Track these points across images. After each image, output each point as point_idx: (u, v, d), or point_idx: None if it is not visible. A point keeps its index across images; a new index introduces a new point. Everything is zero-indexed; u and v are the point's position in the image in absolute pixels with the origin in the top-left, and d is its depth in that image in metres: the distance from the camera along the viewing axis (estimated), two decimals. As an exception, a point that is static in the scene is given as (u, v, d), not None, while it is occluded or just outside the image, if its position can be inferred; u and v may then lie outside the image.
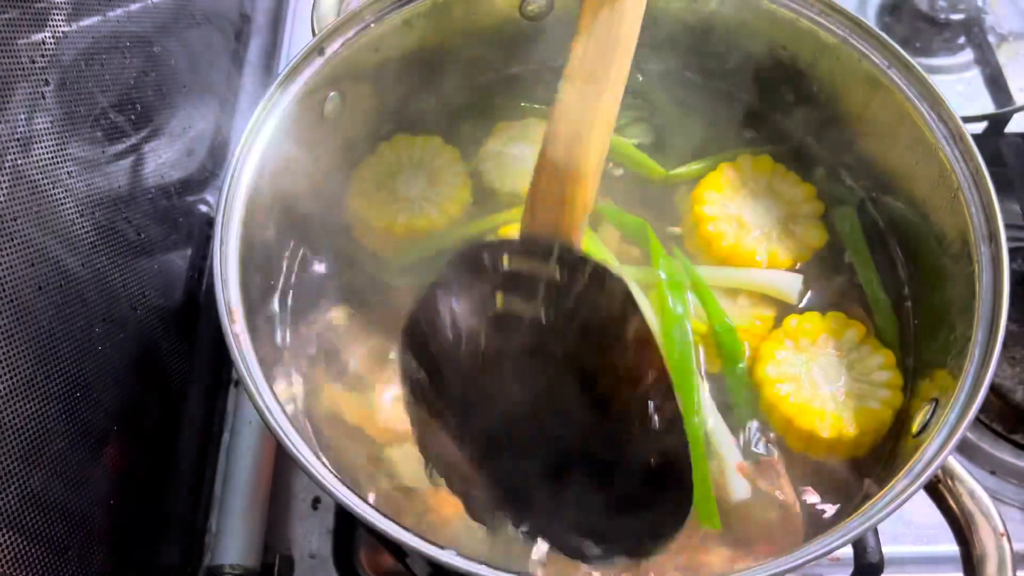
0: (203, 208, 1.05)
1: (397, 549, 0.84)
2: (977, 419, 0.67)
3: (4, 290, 0.68)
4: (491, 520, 0.71)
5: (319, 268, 0.90)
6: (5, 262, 0.68)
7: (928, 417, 0.71)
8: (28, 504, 0.68)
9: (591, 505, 0.68)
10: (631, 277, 0.84)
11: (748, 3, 0.87)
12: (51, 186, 0.76)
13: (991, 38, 1.27)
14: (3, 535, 0.65)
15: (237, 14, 1.22)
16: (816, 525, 0.77)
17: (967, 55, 1.28)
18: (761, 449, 0.80)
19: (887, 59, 0.81)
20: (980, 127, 1.15)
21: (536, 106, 0.96)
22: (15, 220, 0.70)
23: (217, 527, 0.94)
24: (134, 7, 0.92)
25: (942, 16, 1.29)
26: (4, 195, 0.70)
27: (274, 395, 0.67)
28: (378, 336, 0.86)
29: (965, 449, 1.00)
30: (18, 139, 0.72)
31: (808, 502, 0.78)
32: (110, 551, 0.80)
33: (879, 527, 0.69)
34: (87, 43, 0.83)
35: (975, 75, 1.26)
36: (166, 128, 0.98)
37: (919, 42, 1.28)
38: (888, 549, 0.87)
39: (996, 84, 1.24)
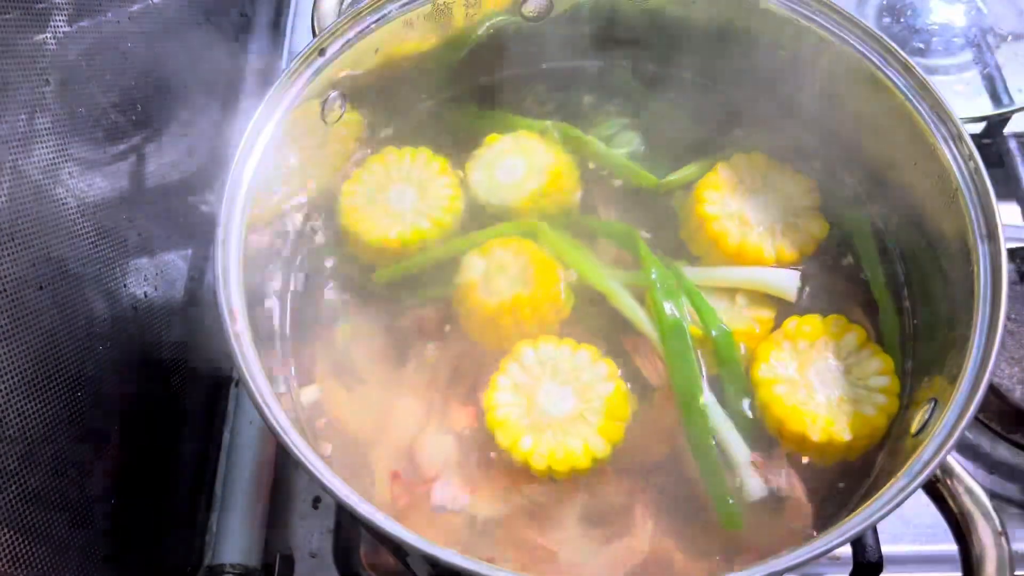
0: (204, 208, 1.05)
1: (397, 548, 0.84)
2: (976, 418, 0.67)
3: (5, 290, 0.68)
4: None
5: (319, 268, 0.90)
6: (6, 262, 0.69)
7: (927, 416, 0.71)
8: (29, 503, 0.68)
9: None
10: (623, 283, 0.84)
11: (747, 3, 0.87)
12: (52, 186, 0.76)
13: (990, 38, 1.28)
14: (3, 534, 0.65)
15: (238, 14, 1.22)
16: (819, 522, 0.77)
17: (966, 55, 1.28)
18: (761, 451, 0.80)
19: (886, 59, 0.81)
20: (979, 127, 1.16)
21: (527, 119, 0.96)
22: (16, 220, 0.71)
23: (218, 526, 0.94)
24: (135, 7, 0.92)
25: (941, 17, 1.29)
26: (5, 195, 0.70)
27: (274, 395, 0.68)
28: (377, 337, 0.87)
29: (964, 448, 1.00)
30: (19, 139, 0.72)
31: (814, 497, 0.78)
32: (111, 550, 0.80)
33: (878, 526, 0.69)
34: (88, 43, 0.84)
35: (974, 75, 1.26)
36: (167, 128, 0.98)
37: (918, 42, 1.28)
38: (887, 548, 0.87)
39: (995, 85, 1.24)
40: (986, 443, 1.00)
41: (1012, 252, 1.03)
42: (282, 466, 0.99)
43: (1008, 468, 0.99)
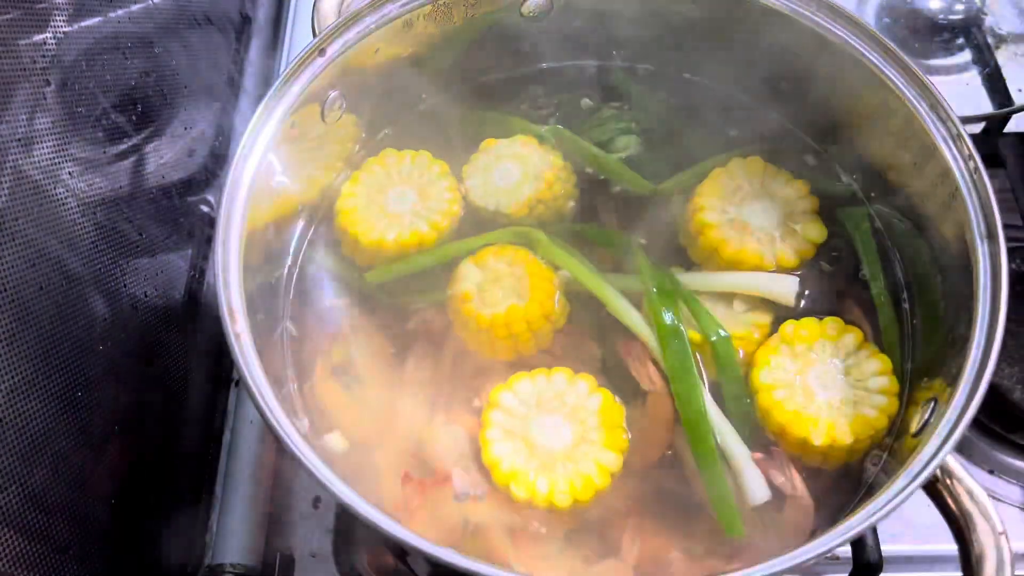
0: (204, 208, 1.05)
1: (397, 548, 0.84)
2: (976, 418, 0.67)
3: (6, 290, 0.68)
4: None
5: (319, 269, 0.90)
6: (7, 262, 0.69)
7: (927, 416, 0.71)
8: (29, 503, 0.68)
9: None
10: (620, 289, 0.84)
11: (747, 3, 0.87)
12: (53, 186, 0.76)
13: (990, 39, 1.28)
14: (4, 534, 0.65)
15: (237, 14, 1.22)
16: (819, 522, 0.77)
17: (966, 56, 1.28)
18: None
19: (886, 60, 0.81)
20: (979, 127, 1.16)
21: (525, 121, 0.96)
22: (16, 220, 0.71)
23: (218, 526, 0.94)
24: (135, 8, 0.93)
25: (941, 17, 1.29)
26: (6, 195, 0.70)
27: (275, 394, 0.68)
28: (375, 337, 0.87)
29: (964, 448, 1.00)
30: (19, 139, 0.72)
31: (814, 496, 0.78)
32: (111, 550, 0.80)
33: (878, 526, 0.69)
34: (88, 43, 0.84)
35: (974, 75, 1.26)
36: (167, 128, 0.98)
37: (918, 43, 1.28)
38: (887, 548, 0.87)
39: (995, 84, 1.24)
40: (986, 443, 1.00)
41: (1012, 252, 1.03)
42: (282, 466, 0.99)
43: (1008, 468, 0.99)
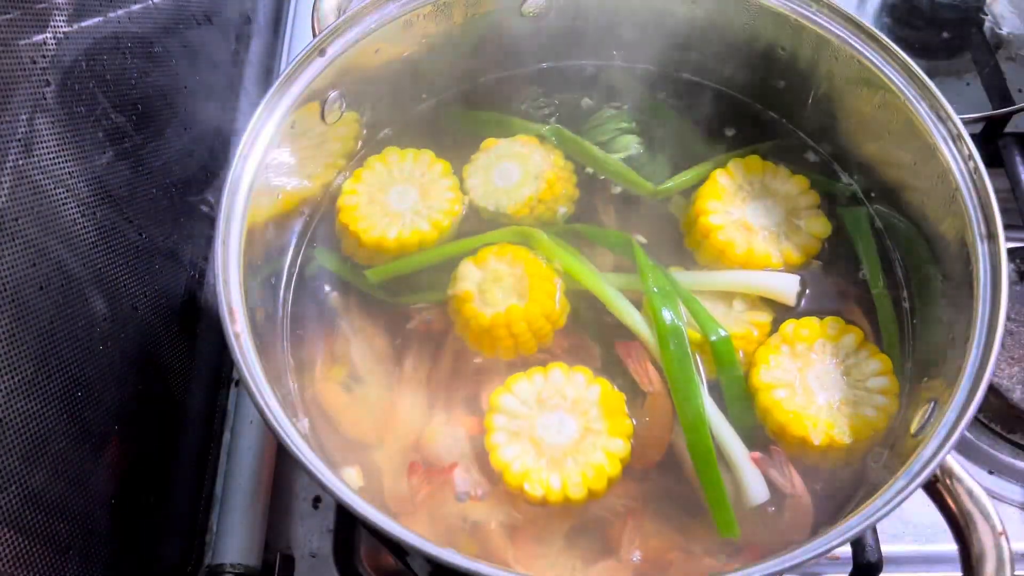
0: (204, 208, 1.05)
1: (397, 548, 0.84)
2: (976, 418, 0.67)
3: (6, 290, 0.68)
4: None
5: (319, 268, 0.90)
6: (7, 262, 0.69)
7: (927, 417, 0.71)
8: (29, 503, 0.68)
9: None
10: (620, 289, 0.84)
11: (746, 3, 0.87)
12: (53, 186, 0.76)
13: (990, 39, 1.28)
14: (4, 534, 0.65)
15: (237, 15, 1.22)
16: (819, 522, 0.77)
17: (966, 56, 1.28)
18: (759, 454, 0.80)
19: (886, 60, 0.81)
20: (979, 127, 1.16)
21: (525, 121, 0.96)
22: (17, 220, 0.71)
23: (218, 526, 0.94)
24: (135, 8, 0.93)
25: (941, 17, 1.29)
26: (6, 195, 0.70)
27: (274, 394, 0.68)
28: (376, 337, 0.87)
29: (964, 448, 1.00)
30: (20, 140, 0.72)
31: (814, 496, 0.78)
32: (111, 550, 0.80)
33: (878, 526, 0.69)
34: (88, 44, 0.84)
35: (974, 76, 1.26)
36: (167, 128, 0.98)
37: (918, 43, 1.28)
38: (887, 548, 0.87)
39: (995, 84, 1.24)
40: (986, 443, 1.00)
41: (1012, 252, 1.03)
42: (282, 466, 0.99)
43: (1008, 468, 0.99)
